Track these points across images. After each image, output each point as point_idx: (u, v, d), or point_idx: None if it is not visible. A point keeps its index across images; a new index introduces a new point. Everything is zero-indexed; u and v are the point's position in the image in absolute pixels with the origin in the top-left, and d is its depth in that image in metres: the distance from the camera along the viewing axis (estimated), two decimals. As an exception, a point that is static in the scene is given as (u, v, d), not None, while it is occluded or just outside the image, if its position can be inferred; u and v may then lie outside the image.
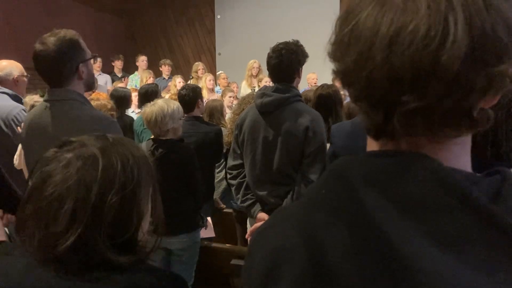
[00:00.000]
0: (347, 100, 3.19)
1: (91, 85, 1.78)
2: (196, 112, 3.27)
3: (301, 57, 2.31)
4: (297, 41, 2.32)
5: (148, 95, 3.91)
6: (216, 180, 3.63)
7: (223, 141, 3.33)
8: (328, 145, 2.37)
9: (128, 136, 2.83)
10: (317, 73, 6.16)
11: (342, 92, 3.02)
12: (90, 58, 1.75)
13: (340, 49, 0.48)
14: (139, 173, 0.79)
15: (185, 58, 8.97)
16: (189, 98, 3.19)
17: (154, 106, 2.50)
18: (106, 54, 6.97)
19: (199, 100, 3.25)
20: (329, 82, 3.08)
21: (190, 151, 2.57)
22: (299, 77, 2.37)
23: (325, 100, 2.85)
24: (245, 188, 2.46)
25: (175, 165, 2.49)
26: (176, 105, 2.55)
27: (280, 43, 2.30)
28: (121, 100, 3.97)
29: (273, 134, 2.32)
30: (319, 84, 3.67)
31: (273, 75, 2.34)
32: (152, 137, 2.62)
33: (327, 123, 2.69)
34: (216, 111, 3.75)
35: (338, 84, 2.95)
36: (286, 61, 2.27)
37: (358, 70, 0.46)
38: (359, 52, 0.46)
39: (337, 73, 0.50)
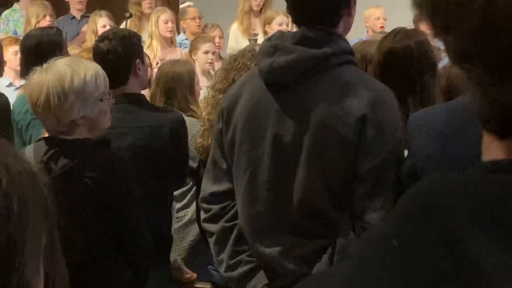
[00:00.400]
0: (444, 62, 3.19)
1: None
2: (133, 87, 3.27)
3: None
4: None
5: (40, 51, 3.92)
6: (177, 225, 3.67)
7: (188, 145, 3.35)
8: (405, 153, 2.40)
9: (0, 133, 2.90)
10: (384, 9, 6.35)
11: (433, 45, 2.99)
12: None
13: None
14: (21, 207, 0.82)
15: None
16: (117, 57, 3.19)
17: (47, 74, 2.51)
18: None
19: (138, 61, 3.26)
20: (408, 25, 3.10)
21: (121, 165, 2.58)
22: (350, 15, 2.43)
23: (400, 62, 2.88)
24: (236, 240, 2.52)
25: (92, 192, 2.49)
26: (92, 71, 2.57)
27: None
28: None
29: (294, 130, 2.37)
30: (388, 30, 3.72)
31: (296, 10, 2.39)
32: (46, 135, 2.64)
33: (404, 107, 2.69)
34: (179, 84, 3.78)
35: (425, 29, 2.93)
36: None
37: None
38: None
39: (422, 7, 0.54)
